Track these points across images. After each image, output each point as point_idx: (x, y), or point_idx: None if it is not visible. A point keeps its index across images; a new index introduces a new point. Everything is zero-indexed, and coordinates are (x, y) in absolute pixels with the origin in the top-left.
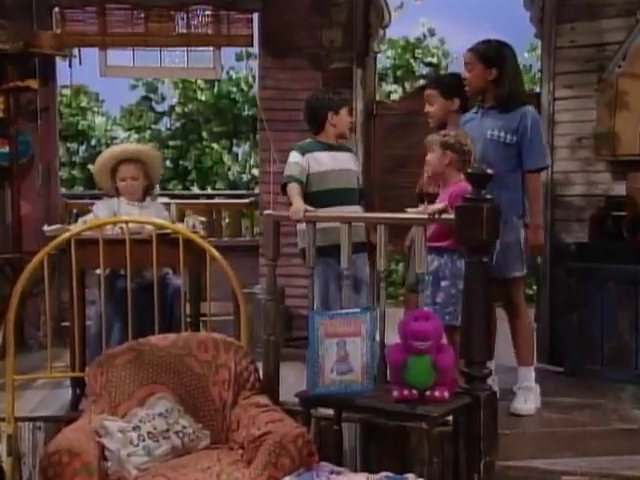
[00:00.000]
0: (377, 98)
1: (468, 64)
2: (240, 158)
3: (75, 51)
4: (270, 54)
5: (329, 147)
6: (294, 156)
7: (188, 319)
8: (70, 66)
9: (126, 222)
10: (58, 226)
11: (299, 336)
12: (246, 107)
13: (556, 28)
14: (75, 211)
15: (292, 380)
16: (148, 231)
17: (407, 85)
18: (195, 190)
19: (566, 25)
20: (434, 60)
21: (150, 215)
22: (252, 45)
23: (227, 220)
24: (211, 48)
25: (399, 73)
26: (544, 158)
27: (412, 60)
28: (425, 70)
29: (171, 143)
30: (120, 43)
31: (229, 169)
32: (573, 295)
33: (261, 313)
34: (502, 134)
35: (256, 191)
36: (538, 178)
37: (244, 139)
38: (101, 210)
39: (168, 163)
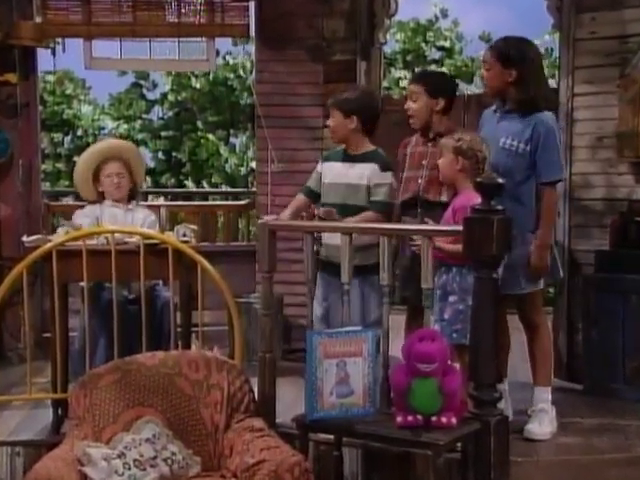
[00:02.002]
0: (383, 87)
1: (486, 63)
2: (237, 150)
3: (58, 39)
4: (267, 45)
5: (347, 157)
6: (318, 163)
7: (179, 329)
8: (53, 54)
9: (112, 232)
10: (38, 236)
11: (298, 348)
12: (244, 95)
13: (575, 18)
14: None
15: (290, 398)
16: (135, 241)
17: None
18: (189, 184)
19: (586, 15)
20: (446, 44)
21: (137, 219)
22: (248, 35)
23: (222, 219)
24: (204, 38)
25: (409, 58)
26: (559, 170)
27: (423, 44)
28: (437, 54)
29: (163, 134)
30: (106, 33)
31: (226, 161)
32: (592, 307)
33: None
34: (515, 142)
35: (254, 189)
36: (553, 192)
37: (242, 129)
38: (82, 218)
39: (160, 155)
